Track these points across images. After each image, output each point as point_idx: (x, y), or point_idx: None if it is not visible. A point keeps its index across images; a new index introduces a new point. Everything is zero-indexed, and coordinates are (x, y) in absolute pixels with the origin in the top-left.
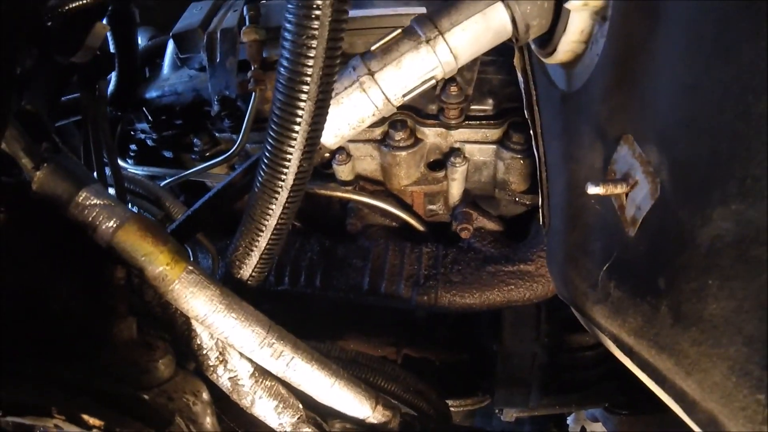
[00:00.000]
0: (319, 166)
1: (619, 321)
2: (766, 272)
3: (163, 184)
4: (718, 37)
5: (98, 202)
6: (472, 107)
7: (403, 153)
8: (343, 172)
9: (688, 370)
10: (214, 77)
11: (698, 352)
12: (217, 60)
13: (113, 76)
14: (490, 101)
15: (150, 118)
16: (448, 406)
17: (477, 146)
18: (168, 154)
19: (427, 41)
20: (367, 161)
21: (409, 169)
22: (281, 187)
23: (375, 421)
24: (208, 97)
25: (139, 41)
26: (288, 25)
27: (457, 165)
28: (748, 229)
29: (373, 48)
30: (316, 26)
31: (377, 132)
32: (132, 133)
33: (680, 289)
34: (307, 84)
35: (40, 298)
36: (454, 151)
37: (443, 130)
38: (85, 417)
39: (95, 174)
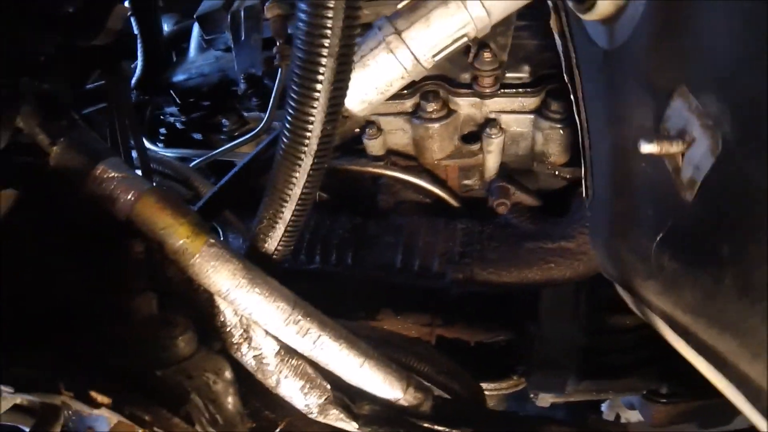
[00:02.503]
0: (350, 141)
1: (674, 297)
2: None
3: (192, 164)
4: None
5: (116, 175)
6: (507, 75)
7: (436, 125)
8: (373, 146)
9: (755, 352)
10: (240, 55)
11: None
12: (242, 38)
13: (139, 60)
14: (526, 68)
15: (178, 100)
16: (482, 390)
17: (513, 116)
18: (197, 136)
19: None
20: (399, 135)
21: (443, 142)
22: (305, 152)
23: (406, 404)
24: (235, 77)
25: (164, 28)
26: None
27: (493, 137)
28: None
29: (399, 6)
30: None
31: (408, 104)
32: (161, 117)
33: (749, 255)
34: (328, 38)
35: (53, 274)
36: (490, 122)
37: (477, 99)
38: (93, 394)
39: (122, 157)
